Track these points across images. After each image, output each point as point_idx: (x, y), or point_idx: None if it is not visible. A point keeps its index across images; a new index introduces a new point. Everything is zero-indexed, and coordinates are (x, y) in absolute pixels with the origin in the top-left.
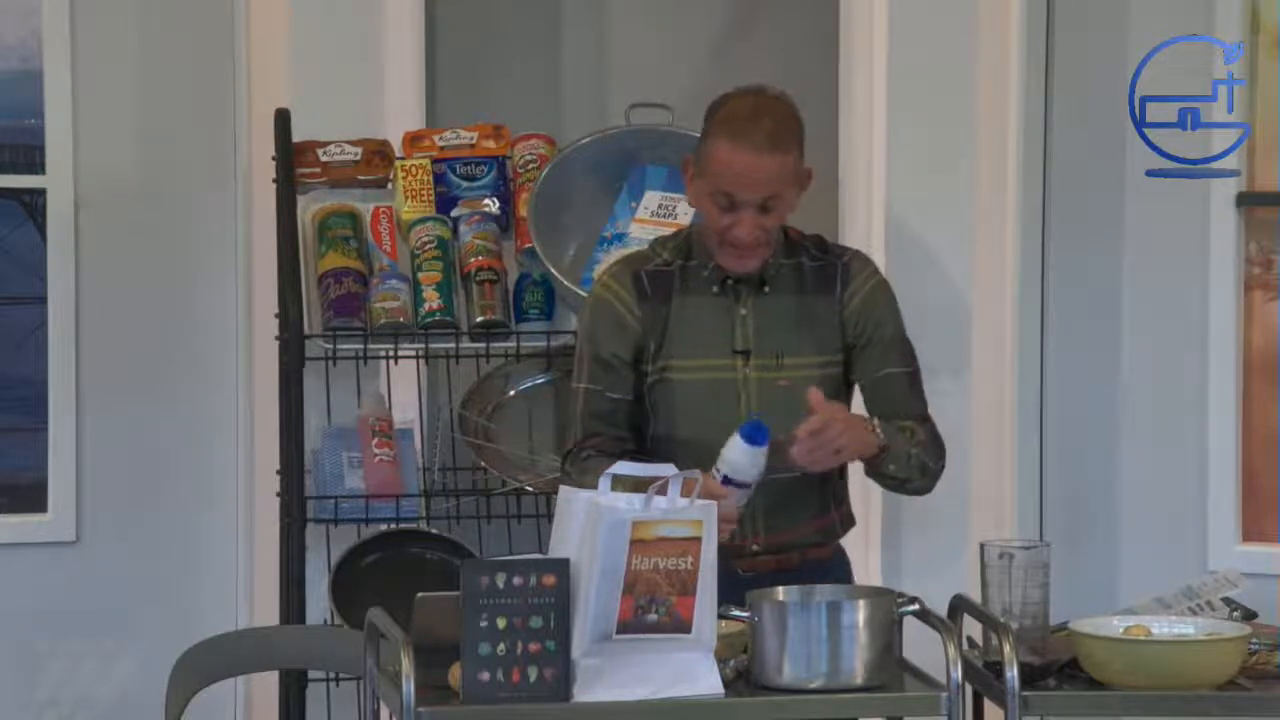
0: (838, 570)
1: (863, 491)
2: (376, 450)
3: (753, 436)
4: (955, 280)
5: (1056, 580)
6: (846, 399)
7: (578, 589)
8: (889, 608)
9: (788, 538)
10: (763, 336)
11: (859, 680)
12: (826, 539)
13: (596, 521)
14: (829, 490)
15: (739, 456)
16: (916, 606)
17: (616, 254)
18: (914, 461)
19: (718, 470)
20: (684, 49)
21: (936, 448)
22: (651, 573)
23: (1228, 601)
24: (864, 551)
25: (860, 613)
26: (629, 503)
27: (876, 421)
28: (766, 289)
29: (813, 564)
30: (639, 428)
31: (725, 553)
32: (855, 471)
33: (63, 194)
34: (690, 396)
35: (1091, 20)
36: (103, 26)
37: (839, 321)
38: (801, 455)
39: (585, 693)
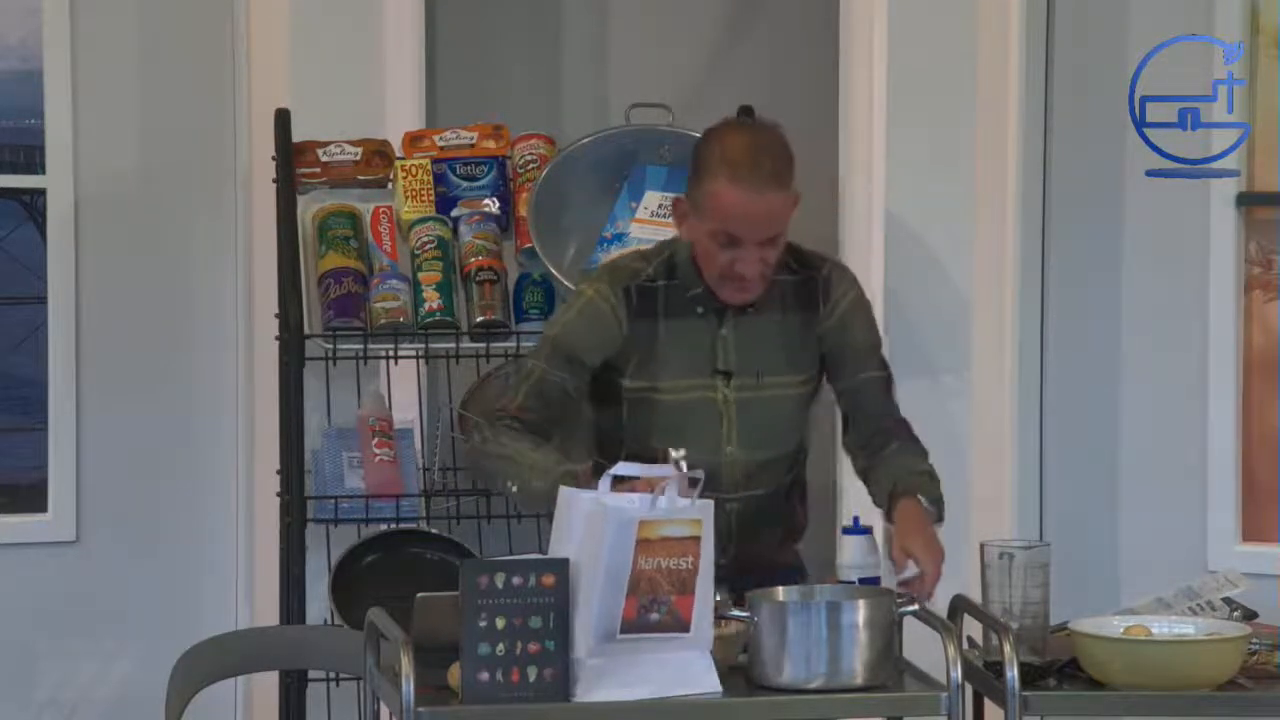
0: (795, 577)
1: (864, 492)
2: (376, 450)
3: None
4: (955, 280)
5: (1056, 580)
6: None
7: (580, 589)
8: (889, 608)
9: (755, 550)
10: (744, 356)
11: (859, 680)
12: (785, 549)
13: (603, 521)
14: (794, 500)
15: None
16: (916, 606)
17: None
18: (938, 489)
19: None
20: (684, 49)
21: (924, 450)
22: (654, 572)
23: (1228, 601)
24: None
25: (860, 613)
26: (632, 502)
27: (921, 499)
28: (748, 309)
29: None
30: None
31: None
32: (848, 474)
33: (63, 194)
34: (671, 415)
35: (1091, 20)
36: (103, 26)
37: (818, 336)
38: (929, 589)
39: (587, 693)
